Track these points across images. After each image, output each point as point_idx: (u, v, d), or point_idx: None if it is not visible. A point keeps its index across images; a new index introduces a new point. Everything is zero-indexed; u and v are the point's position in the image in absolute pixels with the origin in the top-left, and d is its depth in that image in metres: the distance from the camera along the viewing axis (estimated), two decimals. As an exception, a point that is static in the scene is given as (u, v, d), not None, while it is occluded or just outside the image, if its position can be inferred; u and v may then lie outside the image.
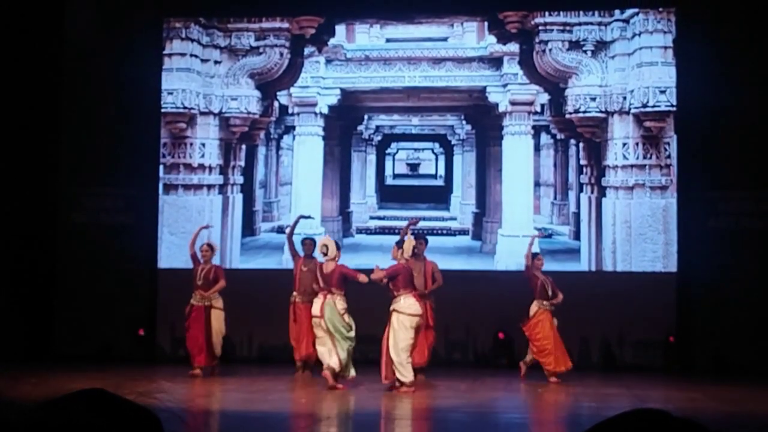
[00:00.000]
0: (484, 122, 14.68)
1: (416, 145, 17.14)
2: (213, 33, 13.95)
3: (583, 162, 13.76)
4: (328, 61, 14.17)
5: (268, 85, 14.02)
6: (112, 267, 13.29)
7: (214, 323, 11.61)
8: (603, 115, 13.24)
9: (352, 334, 10.58)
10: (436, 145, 16.83)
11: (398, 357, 10.13)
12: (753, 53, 12.73)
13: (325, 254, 10.74)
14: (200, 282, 11.64)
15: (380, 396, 10.19)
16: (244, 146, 14.19)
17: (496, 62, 13.95)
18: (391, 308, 10.21)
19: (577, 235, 13.79)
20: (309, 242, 11.80)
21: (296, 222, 11.97)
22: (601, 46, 13.34)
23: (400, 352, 10.12)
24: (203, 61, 13.88)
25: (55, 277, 13.57)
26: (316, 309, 10.69)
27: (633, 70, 13.11)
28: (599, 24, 13.38)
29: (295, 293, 11.65)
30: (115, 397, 1.68)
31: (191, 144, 13.78)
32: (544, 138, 14.72)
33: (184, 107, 13.68)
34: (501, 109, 13.89)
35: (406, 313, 10.17)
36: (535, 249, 11.90)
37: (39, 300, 13.36)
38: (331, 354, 10.52)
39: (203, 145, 13.78)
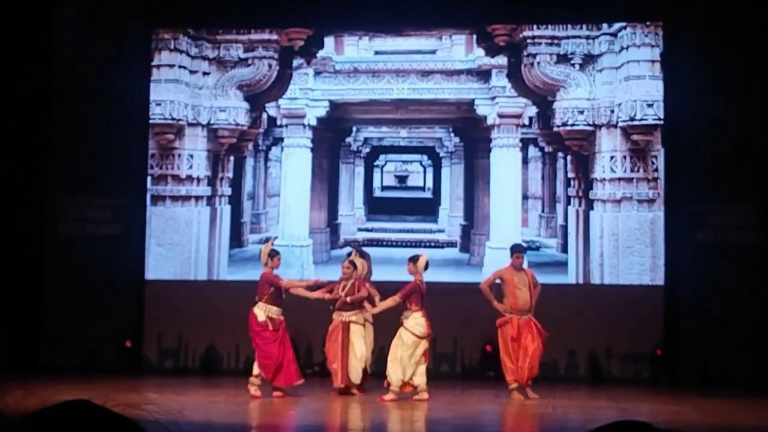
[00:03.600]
0: (473, 135, 14.71)
1: (404, 157, 17.17)
2: (202, 44, 13.95)
3: (570, 175, 13.79)
4: (317, 73, 14.18)
5: (256, 97, 14.02)
6: (100, 278, 13.24)
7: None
8: (591, 129, 13.28)
9: None
10: (425, 157, 16.86)
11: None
12: (740, 67, 12.79)
13: (354, 272, 11.01)
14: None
15: (366, 408, 10.16)
16: (232, 158, 14.18)
17: (484, 75, 13.98)
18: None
19: (564, 248, 13.81)
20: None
21: None
22: (589, 59, 13.39)
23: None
24: (192, 72, 13.87)
25: (42, 288, 13.52)
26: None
27: (620, 84, 13.16)
28: (587, 38, 13.42)
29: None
30: (101, 408, 1.68)
31: (179, 155, 13.76)
32: (532, 151, 14.76)
33: (173, 118, 13.66)
34: (489, 121, 13.92)
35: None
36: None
37: (26, 311, 13.30)
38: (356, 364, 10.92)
39: (191, 156, 13.76)
